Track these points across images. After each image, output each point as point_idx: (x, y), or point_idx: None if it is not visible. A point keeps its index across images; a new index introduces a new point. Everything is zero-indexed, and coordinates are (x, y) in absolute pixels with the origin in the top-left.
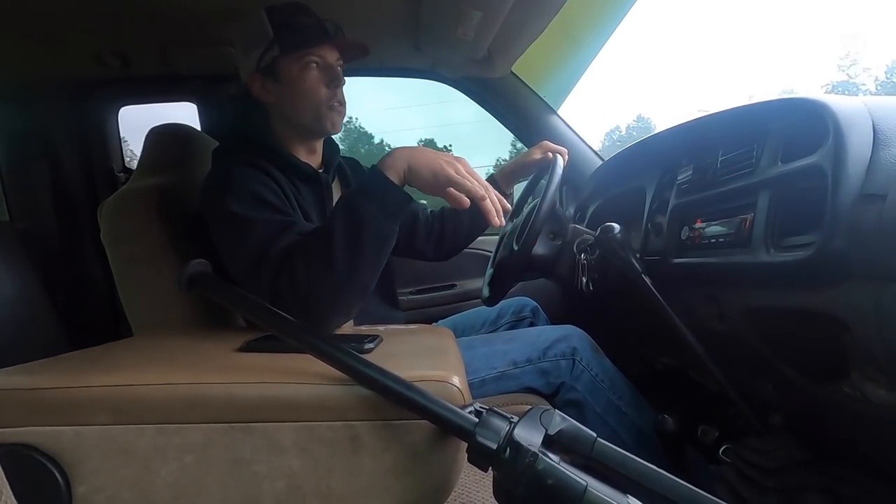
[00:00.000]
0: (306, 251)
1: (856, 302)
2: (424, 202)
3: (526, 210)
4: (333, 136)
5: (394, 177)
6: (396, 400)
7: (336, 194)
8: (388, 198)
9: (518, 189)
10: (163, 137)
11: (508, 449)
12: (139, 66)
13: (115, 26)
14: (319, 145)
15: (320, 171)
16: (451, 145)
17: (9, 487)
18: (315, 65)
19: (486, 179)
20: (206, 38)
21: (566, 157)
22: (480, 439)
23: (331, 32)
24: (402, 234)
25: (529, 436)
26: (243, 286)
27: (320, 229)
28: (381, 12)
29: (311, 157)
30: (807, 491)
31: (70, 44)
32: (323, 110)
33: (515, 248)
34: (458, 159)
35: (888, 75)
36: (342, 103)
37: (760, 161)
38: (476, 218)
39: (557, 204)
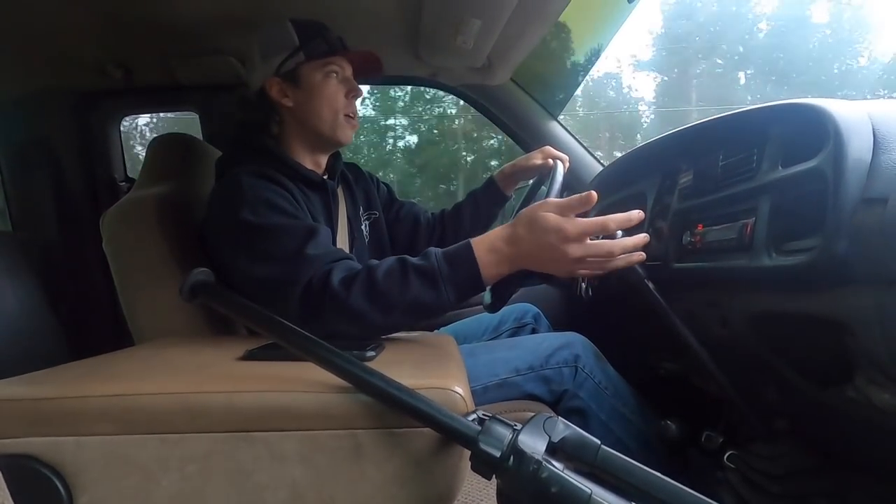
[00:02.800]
0: (372, 288)
1: (858, 306)
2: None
3: None
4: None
5: (495, 269)
6: (399, 408)
7: (341, 201)
8: (469, 292)
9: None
10: (165, 147)
11: (512, 457)
12: (141, 76)
13: (117, 37)
14: (325, 157)
15: (325, 177)
16: None
17: (10, 498)
18: (336, 74)
19: (486, 181)
20: (208, 49)
21: (567, 163)
22: (484, 447)
23: (349, 48)
24: (405, 238)
25: (533, 443)
26: (264, 292)
27: (396, 273)
28: (381, 21)
29: (317, 167)
30: (814, 497)
31: (73, 55)
32: (340, 118)
33: None
34: (569, 226)
35: None
36: (356, 115)
37: (761, 165)
38: (475, 222)
39: None
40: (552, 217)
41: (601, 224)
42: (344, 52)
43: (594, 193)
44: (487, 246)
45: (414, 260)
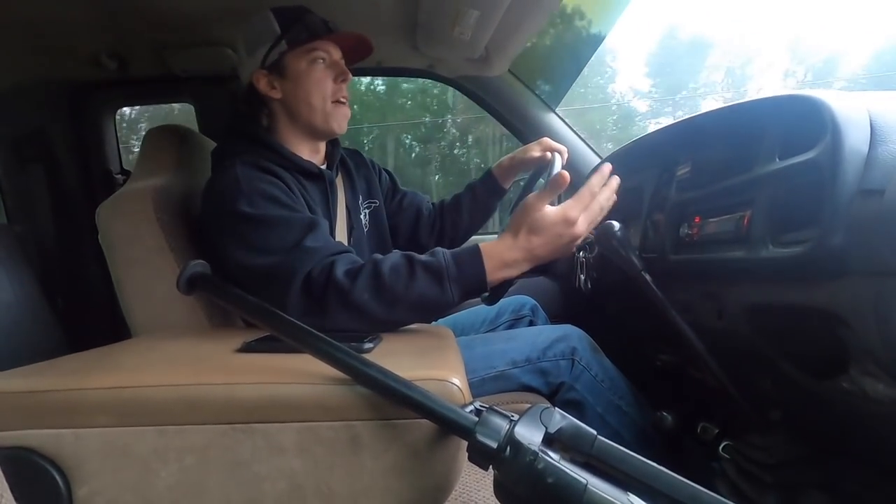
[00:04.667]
0: (377, 281)
1: (854, 297)
2: (428, 197)
3: None
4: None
5: (501, 273)
6: (397, 399)
7: (340, 190)
8: (472, 293)
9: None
10: (160, 138)
11: (509, 447)
12: (136, 67)
13: (111, 28)
14: (323, 146)
15: (323, 167)
16: None
17: (9, 490)
18: (322, 60)
19: (485, 173)
20: (204, 40)
21: (565, 155)
22: (481, 438)
23: (334, 30)
24: (406, 228)
25: (530, 434)
26: (262, 284)
27: (403, 268)
28: (378, 12)
29: (315, 155)
30: (807, 487)
31: (67, 46)
32: (329, 106)
33: None
34: (567, 212)
35: None
36: (347, 100)
37: (758, 157)
38: (473, 214)
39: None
40: (549, 211)
41: (590, 192)
42: (328, 36)
43: (566, 174)
44: (496, 255)
45: (421, 257)
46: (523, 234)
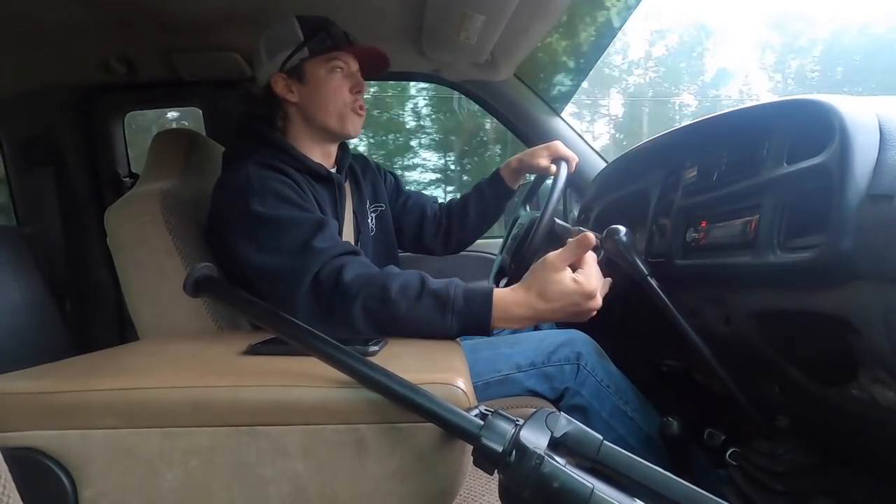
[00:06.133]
0: (384, 294)
1: (863, 303)
2: (435, 197)
3: (525, 221)
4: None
5: (504, 324)
6: (401, 403)
7: (348, 194)
8: (471, 331)
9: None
10: (168, 142)
11: (514, 452)
12: (145, 71)
13: (120, 33)
14: (334, 149)
15: (333, 170)
16: None
17: (16, 491)
18: (340, 69)
19: (492, 174)
20: (212, 44)
21: (574, 164)
22: (486, 442)
23: (353, 43)
24: (411, 229)
25: (535, 438)
26: (271, 284)
27: (412, 289)
28: (384, 17)
29: (326, 159)
30: (815, 494)
31: (76, 50)
32: (346, 112)
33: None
34: (587, 284)
35: None
36: (363, 108)
37: (766, 162)
38: (481, 215)
39: (556, 221)
40: (568, 279)
41: (598, 274)
42: (348, 48)
43: (591, 235)
44: (503, 306)
45: (434, 282)
46: (534, 295)
